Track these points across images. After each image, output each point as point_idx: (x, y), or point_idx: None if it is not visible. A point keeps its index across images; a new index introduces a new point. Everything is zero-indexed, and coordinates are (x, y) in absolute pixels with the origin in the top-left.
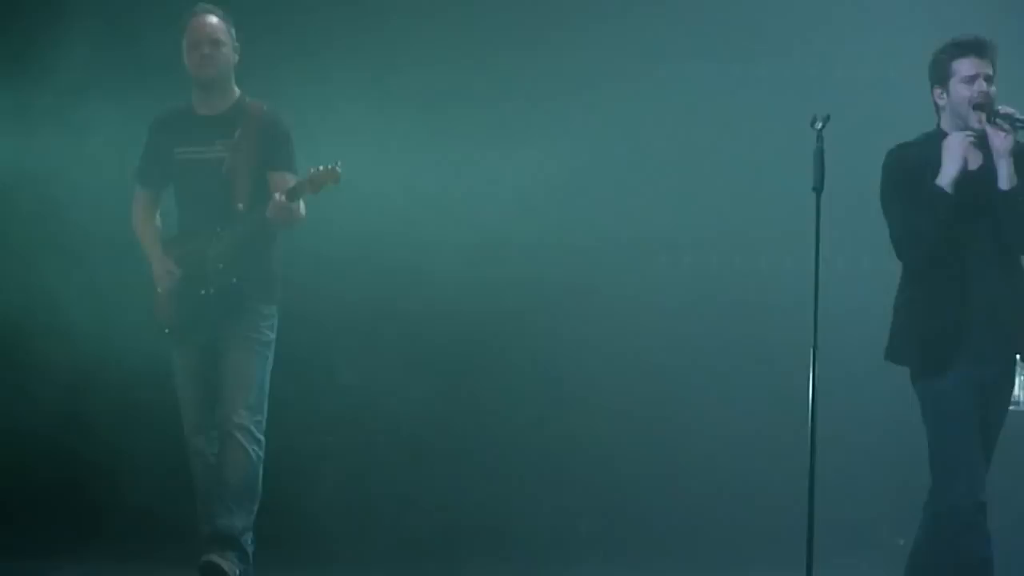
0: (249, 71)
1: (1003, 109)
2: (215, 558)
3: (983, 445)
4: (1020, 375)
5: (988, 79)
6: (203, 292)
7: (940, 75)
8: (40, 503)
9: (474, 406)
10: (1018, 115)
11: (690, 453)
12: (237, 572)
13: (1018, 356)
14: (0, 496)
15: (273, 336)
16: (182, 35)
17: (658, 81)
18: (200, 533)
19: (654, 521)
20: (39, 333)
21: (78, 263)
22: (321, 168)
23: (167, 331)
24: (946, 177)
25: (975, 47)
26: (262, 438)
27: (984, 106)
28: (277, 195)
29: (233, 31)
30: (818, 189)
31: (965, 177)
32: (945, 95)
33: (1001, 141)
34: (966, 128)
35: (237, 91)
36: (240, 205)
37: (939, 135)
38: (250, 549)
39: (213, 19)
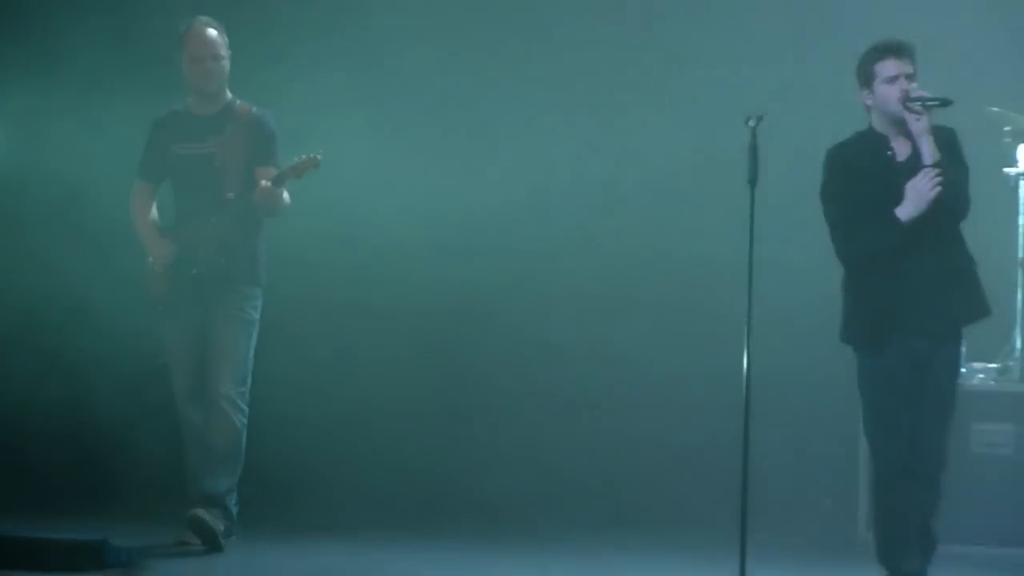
0: (241, 72)
1: (914, 93)
2: (200, 512)
3: (934, 411)
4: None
5: (909, 77)
6: (194, 272)
7: (865, 78)
8: (56, 467)
9: (454, 376)
10: (929, 96)
11: (638, 422)
12: (220, 527)
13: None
14: (23, 463)
15: (257, 316)
16: (181, 45)
17: (607, 83)
18: (188, 494)
19: (602, 485)
20: (61, 313)
21: (97, 250)
22: (304, 156)
23: (161, 307)
24: (906, 214)
25: (894, 49)
26: (246, 408)
27: (907, 102)
28: (264, 181)
29: (227, 40)
30: (752, 181)
31: (903, 172)
32: (872, 96)
33: (917, 123)
34: (895, 124)
35: (229, 94)
36: (230, 195)
37: (871, 134)
38: (234, 509)
39: (213, 33)
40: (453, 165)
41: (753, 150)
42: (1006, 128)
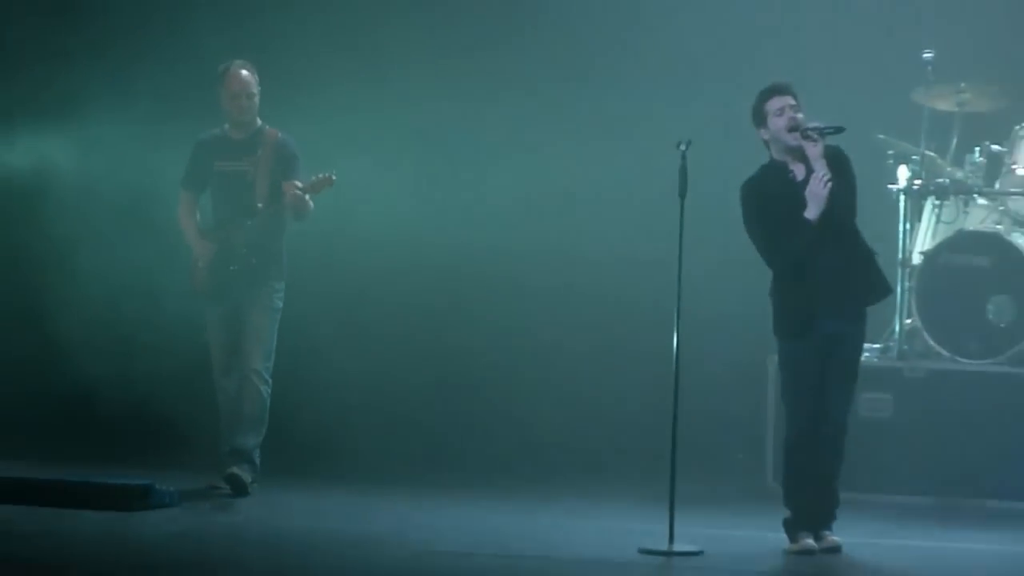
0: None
1: (810, 125)
2: (235, 470)
3: (841, 384)
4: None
5: (793, 107)
6: (232, 268)
7: (759, 118)
8: (116, 425)
9: (445, 354)
10: (821, 126)
11: (594, 394)
12: (250, 479)
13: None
14: (91, 421)
15: (281, 304)
16: (220, 82)
17: (567, 112)
18: (220, 449)
19: (567, 443)
20: (131, 301)
21: (160, 248)
22: (321, 175)
23: (203, 296)
24: (812, 214)
25: (778, 89)
26: (270, 380)
27: (796, 128)
28: (295, 189)
29: (257, 77)
30: (682, 194)
31: (803, 188)
32: (767, 131)
33: (813, 149)
34: (790, 151)
35: (259, 121)
36: (260, 205)
37: (772, 164)
38: (257, 461)
39: (247, 74)
40: (441, 179)
41: (683, 170)
42: (890, 152)
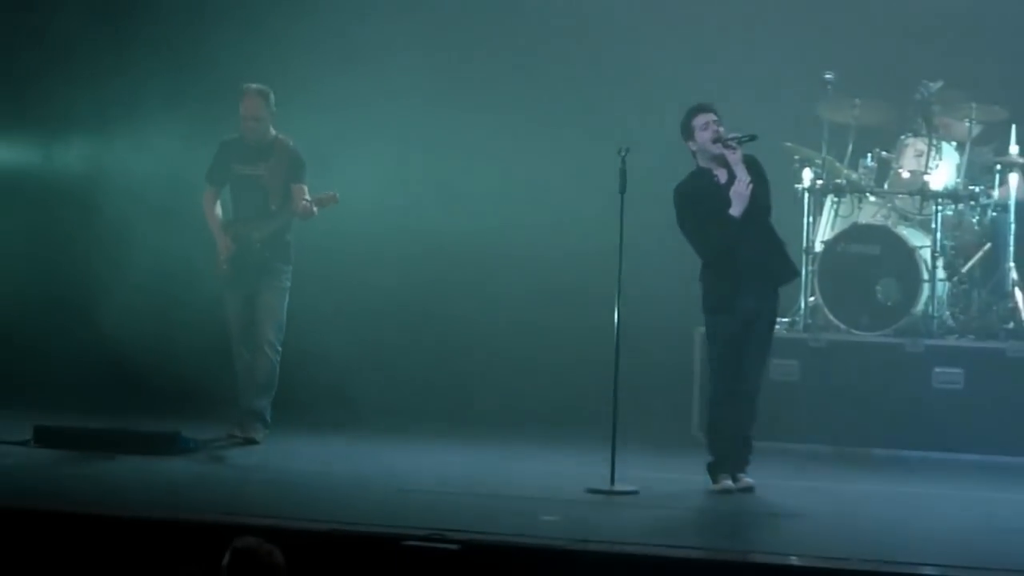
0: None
1: (729, 136)
2: (251, 433)
3: (758, 350)
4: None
5: (715, 122)
6: (248, 260)
7: (687, 132)
8: (149, 382)
9: (434, 321)
10: (738, 135)
11: (543, 354)
12: (263, 435)
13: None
14: (127, 378)
15: (289, 284)
16: (239, 102)
17: (527, 118)
18: (238, 404)
19: (537, 397)
20: (168, 280)
21: (195, 236)
22: (328, 193)
23: (223, 282)
24: (737, 211)
25: (702, 108)
26: (280, 349)
27: (718, 139)
28: (304, 200)
29: (271, 97)
30: (622, 192)
31: (726, 189)
32: (694, 143)
33: (733, 155)
34: (714, 159)
35: (273, 131)
36: (273, 207)
37: (699, 170)
38: (269, 417)
39: (258, 99)
40: (431, 173)
41: (623, 171)
42: (796, 157)
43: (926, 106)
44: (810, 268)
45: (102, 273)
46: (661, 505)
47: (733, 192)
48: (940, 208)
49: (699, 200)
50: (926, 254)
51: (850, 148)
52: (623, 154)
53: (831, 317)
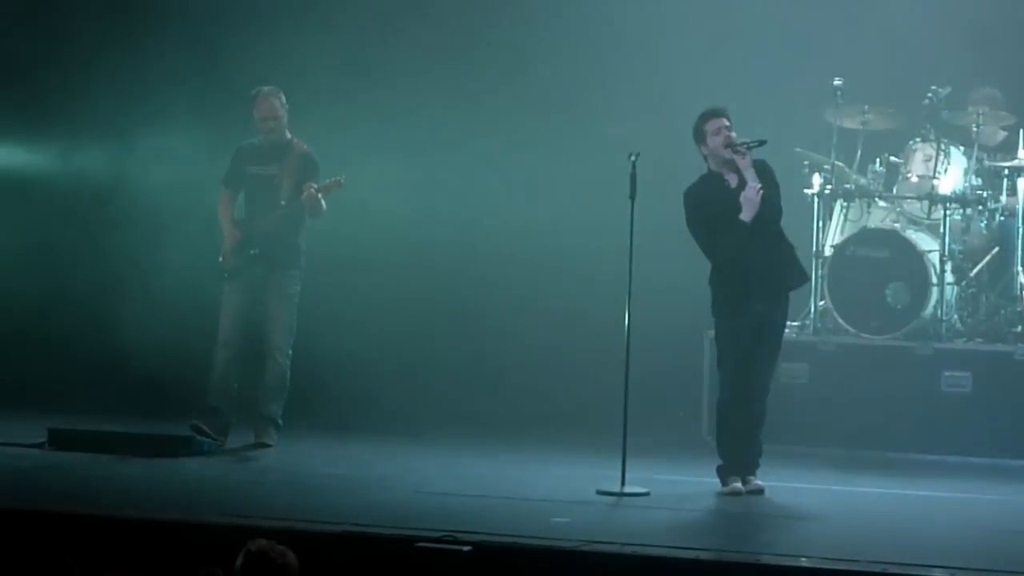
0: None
1: (738, 141)
2: (264, 438)
3: (767, 355)
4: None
5: (727, 128)
6: (252, 252)
7: (699, 137)
8: (163, 388)
9: (442, 327)
10: (749, 140)
11: (554, 358)
12: (276, 440)
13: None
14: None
15: (298, 289)
16: (252, 105)
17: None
18: (207, 401)
19: (542, 399)
20: (183, 288)
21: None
22: (331, 180)
23: (226, 274)
24: (747, 216)
25: (714, 112)
26: (290, 353)
27: (730, 145)
28: (310, 188)
29: (284, 98)
30: (632, 197)
31: (736, 194)
32: (706, 148)
33: (743, 160)
34: (725, 164)
35: (288, 134)
36: (283, 203)
37: (710, 174)
38: (280, 422)
39: (273, 100)
40: (441, 178)
41: (633, 176)
42: (805, 163)
43: (935, 111)
44: (820, 272)
45: (117, 277)
46: (671, 507)
47: (743, 198)
48: (948, 212)
49: (709, 204)
50: (935, 258)
51: (859, 153)
52: (633, 159)
53: (841, 321)
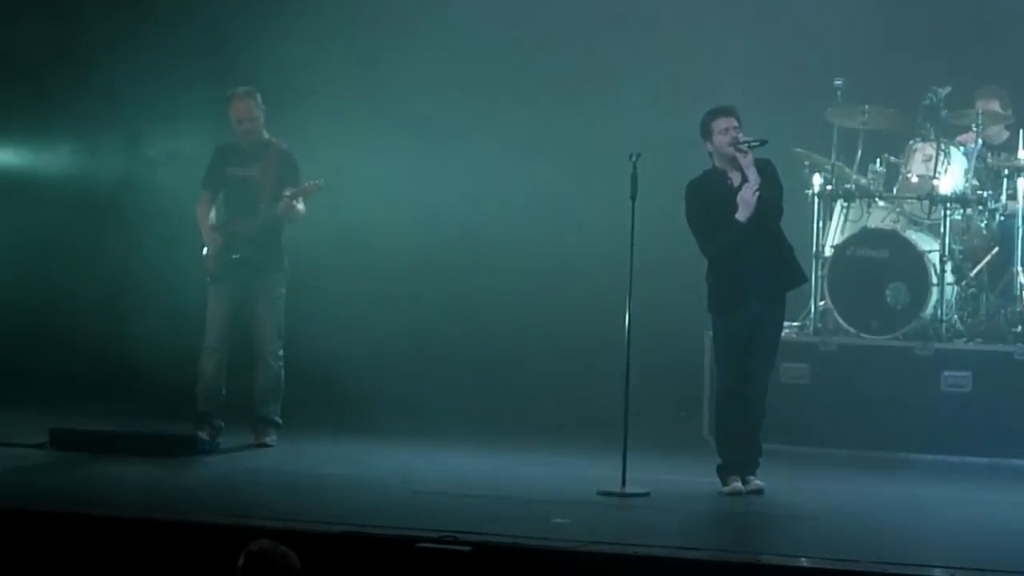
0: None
1: (742, 139)
2: (264, 439)
3: (765, 354)
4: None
5: (736, 128)
6: (234, 256)
7: (705, 133)
8: (169, 390)
9: (447, 322)
10: (751, 139)
11: (554, 359)
12: (275, 439)
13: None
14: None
15: (284, 291)
16: (228, 108)
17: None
18: (197, 407)
19: (540, 399)
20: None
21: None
22: (310, 183)
23: (208, 279)
24: (742, 216)
25: (724, 111)
26: (281, 353)
27: (733, 143)
28: (285, 196)
29: (259, 97)
30: (633, 197)
31: (736, 193)
32: (711, 145)
33: (745, 159)
34: (729, 162)
35: (266, 134)
36: (263, 206)
37: (713, 171)
38: (279, 421)
39: (249, 101)
40: (441, 186)
41: (634, 177)
42: (806, 162)
43: (934, 111)
44: (820, 272)
45: (121, 277)
46: (671, 507)
47: (739, 198)
48: (948, 212)
49: (709, 199)
50: (935, 258)
51: (859, 153)
52: (634, 159)
53: (841, 321)
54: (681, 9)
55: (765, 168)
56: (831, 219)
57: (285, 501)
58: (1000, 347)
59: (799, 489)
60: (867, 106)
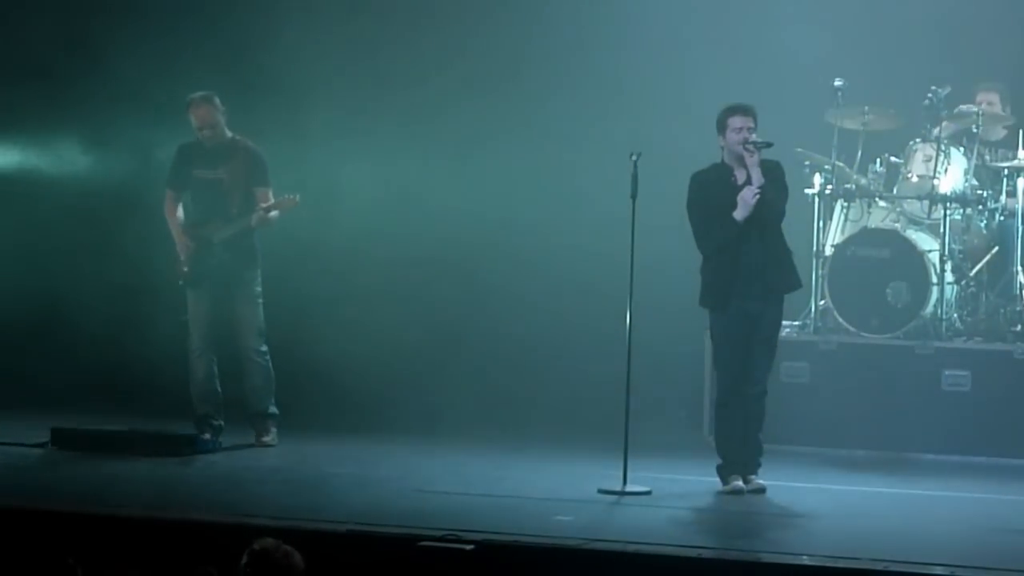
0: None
1: (749, 138)
2: (264, 436)
3: (762, 353)
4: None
5: (750, 129)
6: (210, 262)
7: (720, 127)
8: (171, 391)
9: (448, 320)
10: (758, 140)
11: (555, 357)
12: (275, 434)
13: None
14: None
15: (260, 289)
16: (187, 112)
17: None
18: (193, 410)
19: (539, 401)
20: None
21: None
22: (285, 197)
23: (181, 283)
24: (739, 215)
25: (741, 109)
26: (264, 349)
27: (744, 145)
28: (259, 209)
29: (218, 101)
30: (633, 196)
31: (739, 190)
32: (724, 140)
33: (751, 159)
34: (737, 159)
35: (229, 133)
36: (234, 210)
37: (722, 165)
38: (276, 412)
39: (207, 107)
40: (442, 184)
41: (634, 176)
42: (806, 163)
43: (934, 111)
44: (820, 272)
45: (123, 277)
46: (672, 506)
47: (739, 197)
48: (948, 212)
49: (711, 193)
50: (935, 258)
51: (859, 153)
52: (635, 158)
53: (841, 320)
54: (682, 10)
55: (773, 170)
56: (831, 219)
57: (287, 500)
58: (1000, 346)
59: (800, 488)
60: (867, 106)
